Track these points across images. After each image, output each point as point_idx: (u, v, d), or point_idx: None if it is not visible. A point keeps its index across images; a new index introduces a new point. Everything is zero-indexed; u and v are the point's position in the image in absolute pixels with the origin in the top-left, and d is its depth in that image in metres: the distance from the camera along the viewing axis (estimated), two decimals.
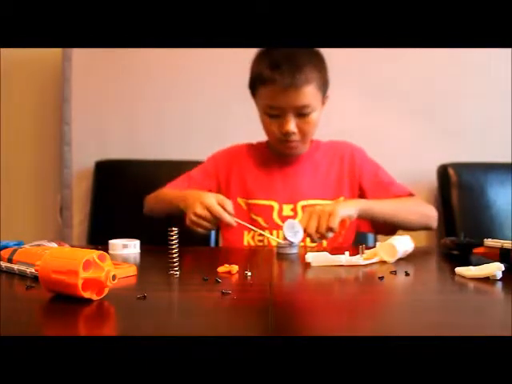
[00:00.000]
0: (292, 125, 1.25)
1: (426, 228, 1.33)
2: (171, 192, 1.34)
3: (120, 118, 1.86)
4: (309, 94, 1.24)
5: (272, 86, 1.23)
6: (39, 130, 1.92)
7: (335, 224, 1.10)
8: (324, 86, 1.30)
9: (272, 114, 1.27)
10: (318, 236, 1.11)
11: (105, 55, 1.83)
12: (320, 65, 1.28)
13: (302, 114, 1.25)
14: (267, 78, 1.24)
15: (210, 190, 1.39)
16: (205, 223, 1.14)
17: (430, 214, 1.33)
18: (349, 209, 1.17)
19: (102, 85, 1.86)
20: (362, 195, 1.36)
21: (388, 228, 1.34)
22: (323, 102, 1.32)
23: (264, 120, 1.31)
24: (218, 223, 1.16)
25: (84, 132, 1.84)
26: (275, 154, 1.40)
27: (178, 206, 1.24)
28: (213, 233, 1.75)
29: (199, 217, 1.14)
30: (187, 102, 1.85)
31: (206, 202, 1.13)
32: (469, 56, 1.81)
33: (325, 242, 1.22)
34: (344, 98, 1.80)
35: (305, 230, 1.10)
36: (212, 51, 1.76)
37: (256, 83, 1.29)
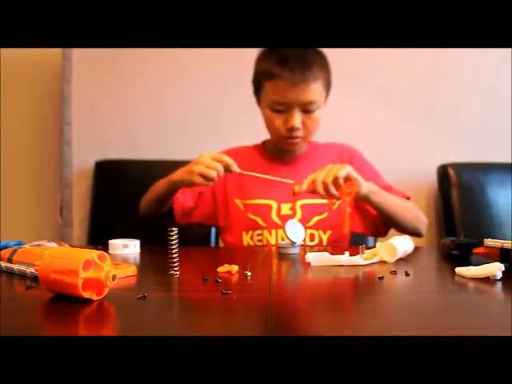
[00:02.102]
0: (297, 120, 1.26)
1: (416, 231, 1.31)
2: (160, 180, 1.34)
3: (120, 118, 1.86)
4: (316, 90, 1.26)
5: (281, 81, 1.25)
6: (39, 130, 1.92)
7: (342, 174, 1.12)
8: (328, 85, 1.33)
9: (277, 110, 1.28)
10: (322, 187, 1.13)
11: (105, 55, 1.83)
12: (326, 64, 1.31)
13: (307, 110, 1.27)
14: (276, 73, 1.25)
15: (203, 193, 1.39)
16: (213, 172, 1.16)
17: (422, 218, 1.34)
18: (359, 177, 1.17)
19: (101, 85, 1.85)
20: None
21: (381, 225, 1.35)
22: (325, 103, 1.34)
23: (268, 116, 1.31)
24: (220, 174, 1.17)
25: (84, 132, 1.84)
26: (273, 155, 1.40)
27: (172, 182, 1.25)
28: (213, 233, 1.75)
29: (206, 166, 1.16)
30: (187, 102, 1.85)
31: (205, 156, 1.18)
32: (469, 56, 1.81)
33: (335, 205, 1.22)
34: (344, 97, 1.80)
35: (313, 181, 1.13)
36: (212, 51, 1.76)
37: (262, 79, 1.30)
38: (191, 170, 1.18)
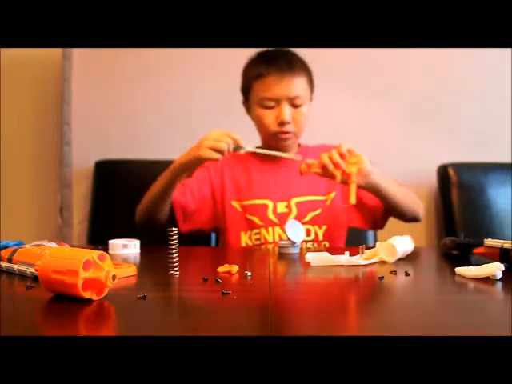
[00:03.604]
0: (287, 114, 1.31)
1: (415, 216, 1.33)
2: (158, 179, 1.32)
3: (120, 117, 1.86)
4: (301, 85, 1.33)
5: (269, 78, 1.32)
6: (39, 130, 1.92)
7: (343, 147, 1.16)
8: (311, 85, 1.39)
9: (267, 106, 1.33)
10: (328, 157, 1.16)
11: (105, 55, 1.83)
12: (307, 66, 1.38)
13: (295, 105, 1.32)
14: (263, 71, 1.32)
15: (205, 197, 1.39)
16: (223, 144, 1.19)
17: (419, 203, 1.36)
18: (362, 154, 1.19)
19: (102, 85, 1.85)
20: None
21: (379, 217, 1.35)
22: (310, 101, 1.39)
23: (259, 114, 1.34)
24: (229, 149, 1.20)
25: (84, 132, 1.84)
26: (266, 159, 1.39)
27: (178, 165, 1.26)
28: (213, 233, 1.75)
29: (215, 140, 1.19)
30: (187, 102, 1.85)
31: (214, 132, 1.21)
32: (469, 56, 1.81)
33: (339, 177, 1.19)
34: (344, 98, 1.80)
35: (320, 164, 1.17)
36: (212, 51, 1.76)
37: (251, 81, 1.36)
38: (200, 145, 1.20)
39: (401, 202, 1.29)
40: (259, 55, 1.37)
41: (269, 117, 1.33)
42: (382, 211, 1.34)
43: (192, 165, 1.26)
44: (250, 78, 1.36)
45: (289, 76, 1.31)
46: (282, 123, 1.31)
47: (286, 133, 1.33)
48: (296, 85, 1.31)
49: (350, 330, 0.59)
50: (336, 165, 1.16)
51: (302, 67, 1.35)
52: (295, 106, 1.32)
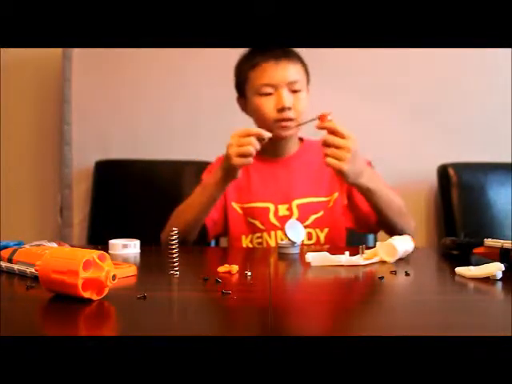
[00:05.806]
0: (287, 99, 1.28)
1: (402, 233, 1.28)
2: (191, 196, 1.29)
3: (120, 117, 1.86)
4: (298, 70, 1.32)
5: (265, 64, 1.30)
6: (39, 130, 1.92)
7: (345, 144, 1.15)
8: (307, 73, 1.36)
9: (265, 93, 1.30)
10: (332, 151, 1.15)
11: (105, 55, 1.83)
12: (301, 57, 1.36)
13: (293, 90, 1.30)
14: (259, 60, 1.30)
15: (221, 201, 1.36)
16: (248, 147, 1.16)
17: (412, 223, 1.30)
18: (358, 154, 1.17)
19: (102, 85, 1.85)
20: (352, 194, 1.34)
21: (373, 223, 1.31)
22: (307, 91, 1.36)
23: (257, 103, 1.31)
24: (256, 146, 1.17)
25: (84, 132, 1.84)
26: (266, 155, 1.37)
27: (216, 182, 1.23)
28: None
29: (239, 145, 1.16)
30: (188, 102, 1.85)
31: (233, 137, 1.18)
32: (469, 56, 1.81)
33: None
34: (344, 97, 1.80)
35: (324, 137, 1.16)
36: (212, 51, 1.76)
37: (247, 73, 1.33)
38: (228, 156, 1.17)
39: (390, 213, 1.23)
40: (251, 50, 1.35)
41: (267, 104, 1.29)
42: (375, 220, 1.30)
43: (228, 178, 1.22)
44: (246, 69, 1.33)
45: (285, 61, 1.29)
46: (282, 109, 1.27)
47: (287, 120, 1.29)
48: (293, 69, 1.30)
49: (350, 330, 0.59)
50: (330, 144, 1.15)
51: (297, 57, 1.34)
52: (294, 92, 1.29)
